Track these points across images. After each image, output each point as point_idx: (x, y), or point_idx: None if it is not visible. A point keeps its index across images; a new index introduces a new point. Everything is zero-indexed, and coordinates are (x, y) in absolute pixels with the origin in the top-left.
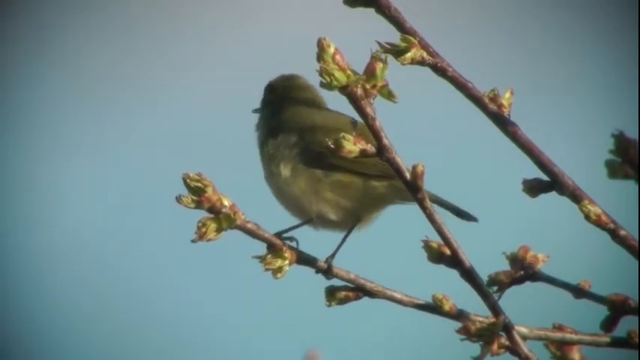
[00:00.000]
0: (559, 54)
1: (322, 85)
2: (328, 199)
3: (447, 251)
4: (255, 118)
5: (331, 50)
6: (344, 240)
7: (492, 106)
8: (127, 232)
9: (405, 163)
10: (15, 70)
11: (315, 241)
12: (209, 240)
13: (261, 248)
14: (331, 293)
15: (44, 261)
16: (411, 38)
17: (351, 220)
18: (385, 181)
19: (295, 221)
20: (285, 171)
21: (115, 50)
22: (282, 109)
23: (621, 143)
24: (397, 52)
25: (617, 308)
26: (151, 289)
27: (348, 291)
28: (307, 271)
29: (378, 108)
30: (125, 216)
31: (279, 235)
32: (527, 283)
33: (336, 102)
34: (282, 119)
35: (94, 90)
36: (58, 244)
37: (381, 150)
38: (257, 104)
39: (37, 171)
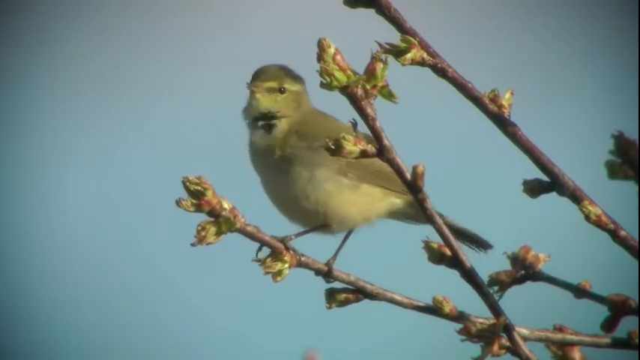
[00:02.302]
0: (559, 54)
1: (322, 85)
2: (355, 207)
3: (448, 252)
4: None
5: (331, 51)
6: (343, 242)
7: (492, 107)
8: (127, 235)
9: (405, 163)
10: (15, 69)
11: (315, 243)
12: (209, 244)
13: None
14: (331, 295)
15: (44, 261)
16: (411, 39)
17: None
18: (404, 197)
19: (294, 224)
20: (314, 175)
21: (114, 50)
22: (299, 107)
23: (621, 144)
24: (397, 52)
25: (618, 308)
26: (152, 292)
27: (348, 293)
28: (307, 272)
29: (379, 108)
30: (125, 218)
31: (285, 240)
32: (528, 283)
33: (336, 102)
34: (302, 120)
35: (94, 90)
36: (58, 244)
37: (382, 151)
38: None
39: (37, 172)
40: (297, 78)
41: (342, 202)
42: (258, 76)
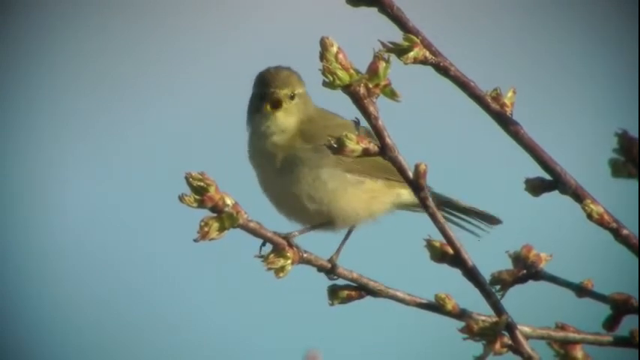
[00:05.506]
0: (561, 53)
1: (325, 84)
2: (359, 204)
3: (450, 250)
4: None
5: (334, 49)
6: (346, 239)
7: (495, 106)
8: (129, 232)
9: (407, 162)
10: (15, 69)
11: (317, 240)
12: (211, 239)
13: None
14: (334, 292)
15: (44, 261)
16: (413, 37)
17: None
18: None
19: (292, 222)
20: (318, 175)
21: (114, 50)
22: (305, 108)
23: (625, 142)
24: (400, 51)
25: (620, 307)
26: (153, 289)
27: (350, 290)
28: (309, 269)
29: (381, 107)
30: (125, 218)
31: (288, 237)
32: (530, 282)
33: (339, 101)
34: (307, 120)
35: (96, 88)
36: (58, 244)
37: (384, 149)
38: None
39: (37, 172)
40: (301, 79)
41: (347, 200)
42: (273, 82)
